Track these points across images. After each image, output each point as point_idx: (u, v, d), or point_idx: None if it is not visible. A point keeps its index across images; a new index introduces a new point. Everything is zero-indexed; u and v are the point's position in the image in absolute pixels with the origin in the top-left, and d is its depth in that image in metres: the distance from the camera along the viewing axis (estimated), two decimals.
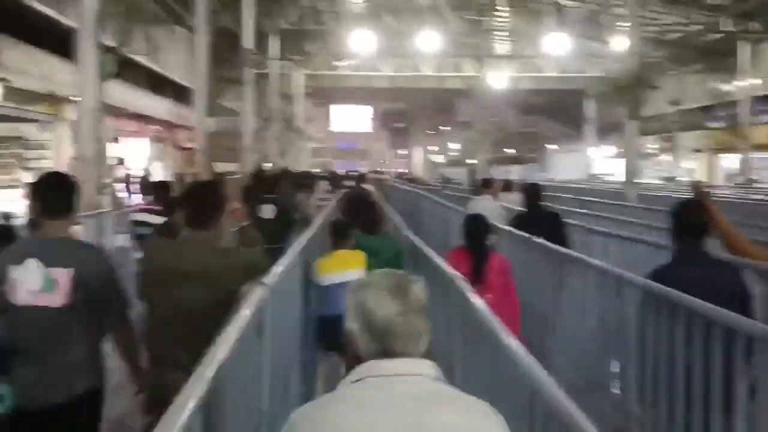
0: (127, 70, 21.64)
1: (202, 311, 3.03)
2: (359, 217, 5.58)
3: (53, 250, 2.98)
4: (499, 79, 35.09)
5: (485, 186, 10.10)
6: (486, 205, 8.31)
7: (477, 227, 5.03)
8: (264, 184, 7.76)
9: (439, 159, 63.40)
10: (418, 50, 31.24)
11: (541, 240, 5.71)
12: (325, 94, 45.54)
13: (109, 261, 3.17)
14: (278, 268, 3.34)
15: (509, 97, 36.50)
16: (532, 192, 7.03)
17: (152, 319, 3.29)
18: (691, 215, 3.81)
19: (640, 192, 14.81)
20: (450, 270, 3.90)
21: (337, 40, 30.25)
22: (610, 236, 6.89)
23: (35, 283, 2.90)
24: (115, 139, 24.71)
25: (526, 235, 6.00)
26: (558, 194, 19.20)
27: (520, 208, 7.53)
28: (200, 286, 3.15)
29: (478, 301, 3.10)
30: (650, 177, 40.58)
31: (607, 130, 42.89)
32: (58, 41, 15.73)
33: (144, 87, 24.37)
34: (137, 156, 27.46)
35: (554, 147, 53.16)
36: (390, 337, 1.59)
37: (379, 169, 35.00)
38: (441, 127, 59.84)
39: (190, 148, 29.70)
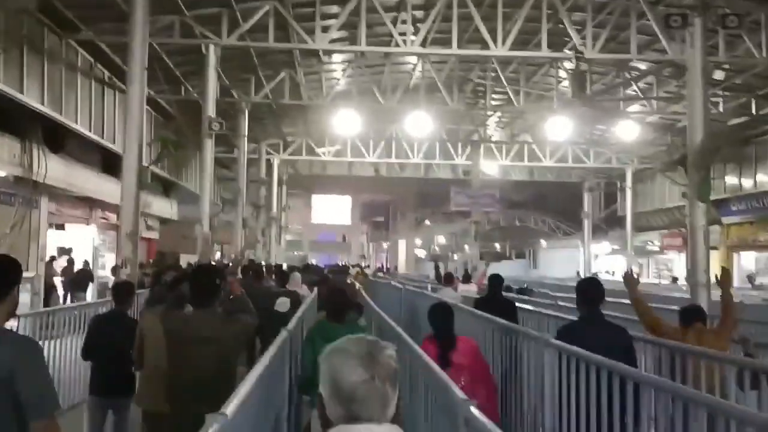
0: (70, 144, 18.45)
1: (211, 369, 4.09)
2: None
3: None
4: (491, 167, 32.50)
5: (447, 280, 12.76)
6: (448, 294, 10.60)
7: (440, 316, 5.33)
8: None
9: (422, 253, 60.31)
10: (405, 134, 28.71)
11: (495, 318, 6.71)
12: (302, 182, 42.64)
13: (37, 355, 2.97)
14: (270, 353, 3.97)
15: (503, 187, 33.74)
16: (495, 282, 8.69)
17: (174, 378, 4.27)
18: (591, 288, 5.28)
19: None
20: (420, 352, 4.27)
21: (317, 121, 27.59)
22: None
23: None
24: (61, 227, 21.23)
25: (485, 314, 7.04)
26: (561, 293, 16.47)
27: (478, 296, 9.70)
28: (209, 350, 4.16)
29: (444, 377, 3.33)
30: (652, 276, 37.91)
31: (600, 226, 40.38)
32: None
33: (95, 167, 21.08)
34: (85, 246, 23.91)
35: (544, 242, 50.37)
36: (356, 403, 1.66)
37: (362, 264, 32.43)
38: (427, 222, 56.94)
39: (147, 239, 26.23)
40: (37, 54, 14.44)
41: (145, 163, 11.11)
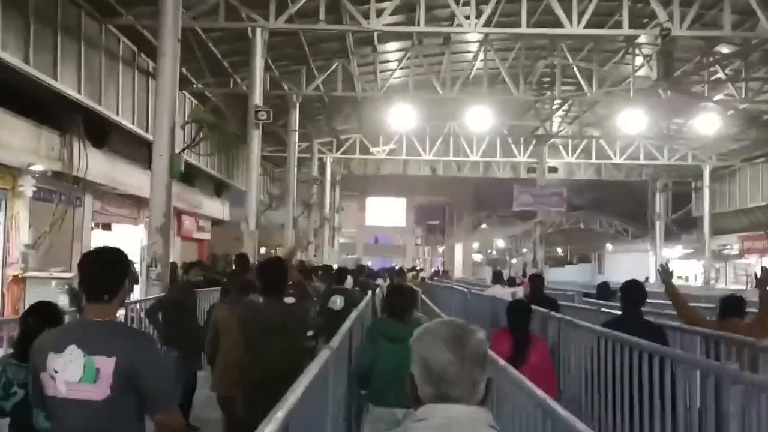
0: (114, 139, 17.50)
1: (282, 357, 4.34)
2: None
3: (95, 335, 2.73)
4: (557, 165, 30.69)
5: (496, 278, 13.40)
6: (498, 291, 11.12)
7: (517, 312, 5.55)
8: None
9: (478, 257, 58.43)
10: (463, 130, 27.24)
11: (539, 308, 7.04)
12: (355, 184, 41.46)
13: (155, 348, 3.01)
14: (335, 342, 4.12)
15: (568, 186, 31.84)
16: (537, 281, 9.83)
17: (249, 365, 4.47)
18: (635, 290, 5.67)
19: None
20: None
21: (371, 116, 26.30)
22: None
23: (75, 373, 2.63)
24: (107, 226, 20.43)
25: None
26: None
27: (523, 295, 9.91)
28: (280, 338, 4.43)
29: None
30: (730, 282, 35.29)
31: (671, 229, 37.94)
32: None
33: (140, 164, 20.20)
34: (133, 247, 23.13)
35: (610, 246, 47.81)
36: (444, 383, 1.70)
37: (417, 267, 31.17)
38: (483, 225, 54.99)
39: (199, 240, 25.36)
40: (72, 38, 13.47)
41: (177, 150, 9.91)
